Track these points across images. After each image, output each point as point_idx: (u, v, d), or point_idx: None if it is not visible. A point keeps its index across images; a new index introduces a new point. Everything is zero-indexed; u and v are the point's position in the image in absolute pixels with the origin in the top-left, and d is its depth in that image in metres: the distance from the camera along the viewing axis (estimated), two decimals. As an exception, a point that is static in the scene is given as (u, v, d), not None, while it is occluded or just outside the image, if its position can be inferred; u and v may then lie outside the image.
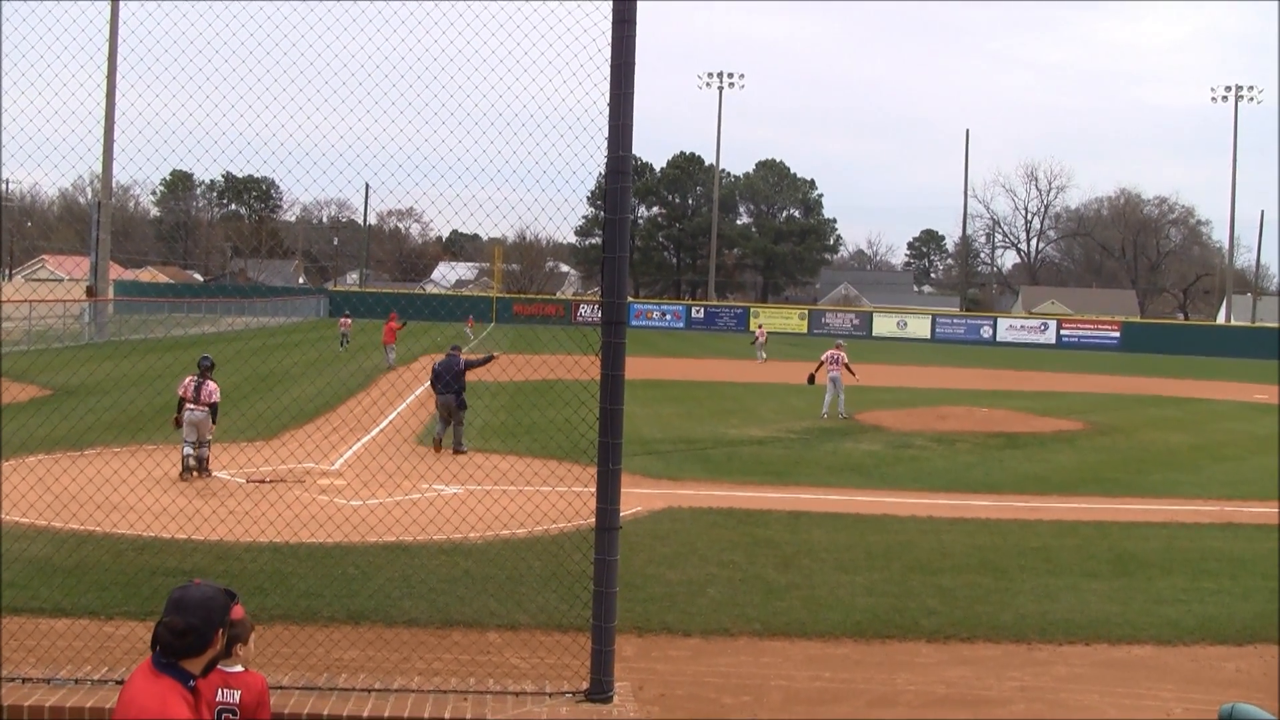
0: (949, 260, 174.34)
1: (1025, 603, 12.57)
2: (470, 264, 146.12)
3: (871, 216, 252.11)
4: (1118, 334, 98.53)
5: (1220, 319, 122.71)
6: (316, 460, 19.41)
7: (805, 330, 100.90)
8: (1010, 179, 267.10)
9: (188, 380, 18.92)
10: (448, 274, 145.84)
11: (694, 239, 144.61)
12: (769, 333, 69.07)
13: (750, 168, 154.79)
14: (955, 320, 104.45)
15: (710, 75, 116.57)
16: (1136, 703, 9.67)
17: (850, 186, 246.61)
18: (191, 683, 4.53)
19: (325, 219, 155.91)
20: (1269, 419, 36.35)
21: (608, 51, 8.14)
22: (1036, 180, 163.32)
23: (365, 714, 7.93)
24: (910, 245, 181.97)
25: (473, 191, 9.08)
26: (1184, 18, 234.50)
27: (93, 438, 19.62)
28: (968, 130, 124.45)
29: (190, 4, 8.77)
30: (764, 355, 59.67)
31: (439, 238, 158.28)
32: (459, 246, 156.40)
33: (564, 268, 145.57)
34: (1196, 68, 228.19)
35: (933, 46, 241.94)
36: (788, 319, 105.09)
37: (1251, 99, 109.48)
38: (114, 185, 68.68)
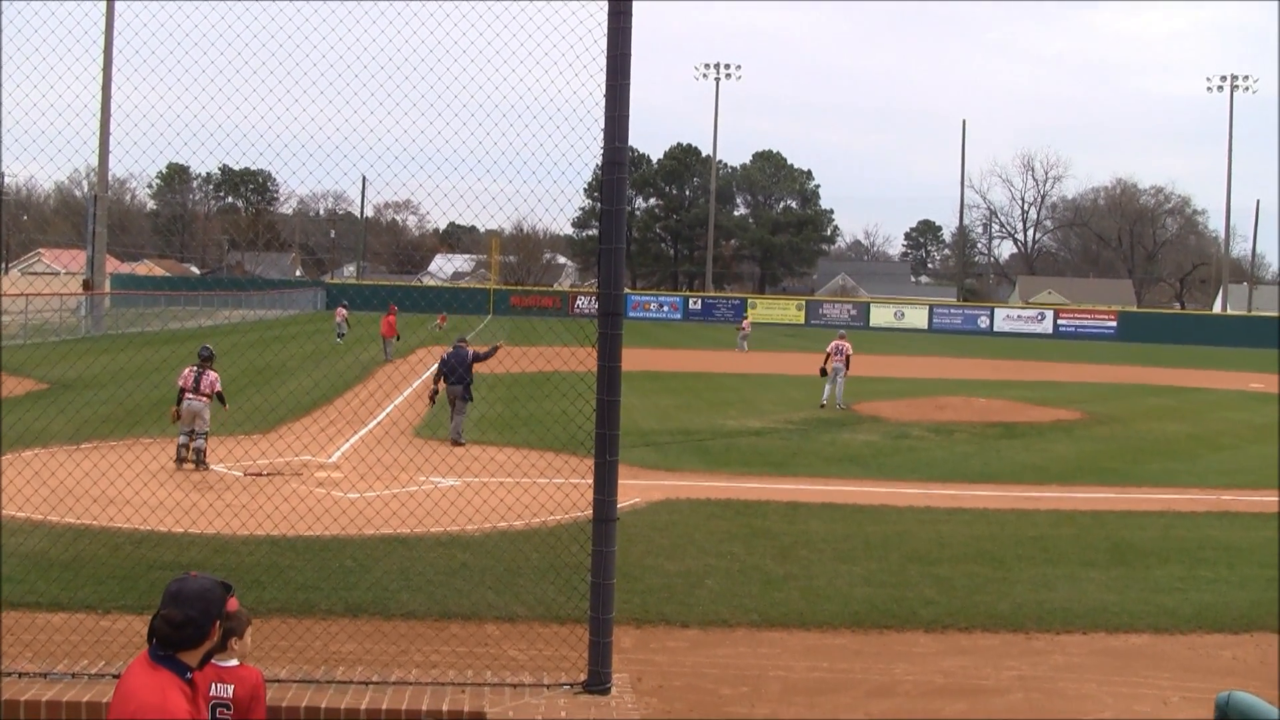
0: (946, 251, 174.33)
1: (1023, 592, 12.59)
2: (467, 256, 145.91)
3: (868, 207, 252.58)
4: (1114, 324, 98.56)
5: (1216, 308, 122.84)
6: (314, 453, 19.41)
7: (803, 321, 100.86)
8: (1007, 169, 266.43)
9: (187, 371, 18.99)
10: (445, 266, 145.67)
11: (691, 230, 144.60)
12: (752, 324, 70.38)
13: (747, 159, 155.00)
14: (952, 310, 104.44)
15: (707, 66, 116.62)
16: (1134, 691, 9.68)
17: (847, 177, 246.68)
18: (189, 675, 4.52)
19: (322, 211, 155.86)
20: (1266, 408, 36.39)
21: (604, 43, 8.12)
22: (1033, 170, 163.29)
23: (363, 707, 7.93)
24: (907, 236, 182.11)
25: (469, 184, 9.07)
26: (1182, 9, 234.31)
27: (89, 431, 19.60)
28: (964, 121, 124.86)
29: (185, -3, 8.75)
30: (745, 346, 60.63)
31: (436, 230, 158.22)
32: (456, 238, 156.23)
33: (561, 259, 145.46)
34: (1194, 58, 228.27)
35: (930, 37, 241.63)
36: (785, 310, 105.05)
37: (1247, 88, 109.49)
38: (110, 178, 68.52)
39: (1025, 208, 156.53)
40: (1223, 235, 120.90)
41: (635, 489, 17.34)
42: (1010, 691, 9.62)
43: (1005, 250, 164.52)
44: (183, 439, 18.64)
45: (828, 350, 32.16)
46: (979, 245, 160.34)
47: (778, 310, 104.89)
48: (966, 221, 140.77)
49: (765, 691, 9.41)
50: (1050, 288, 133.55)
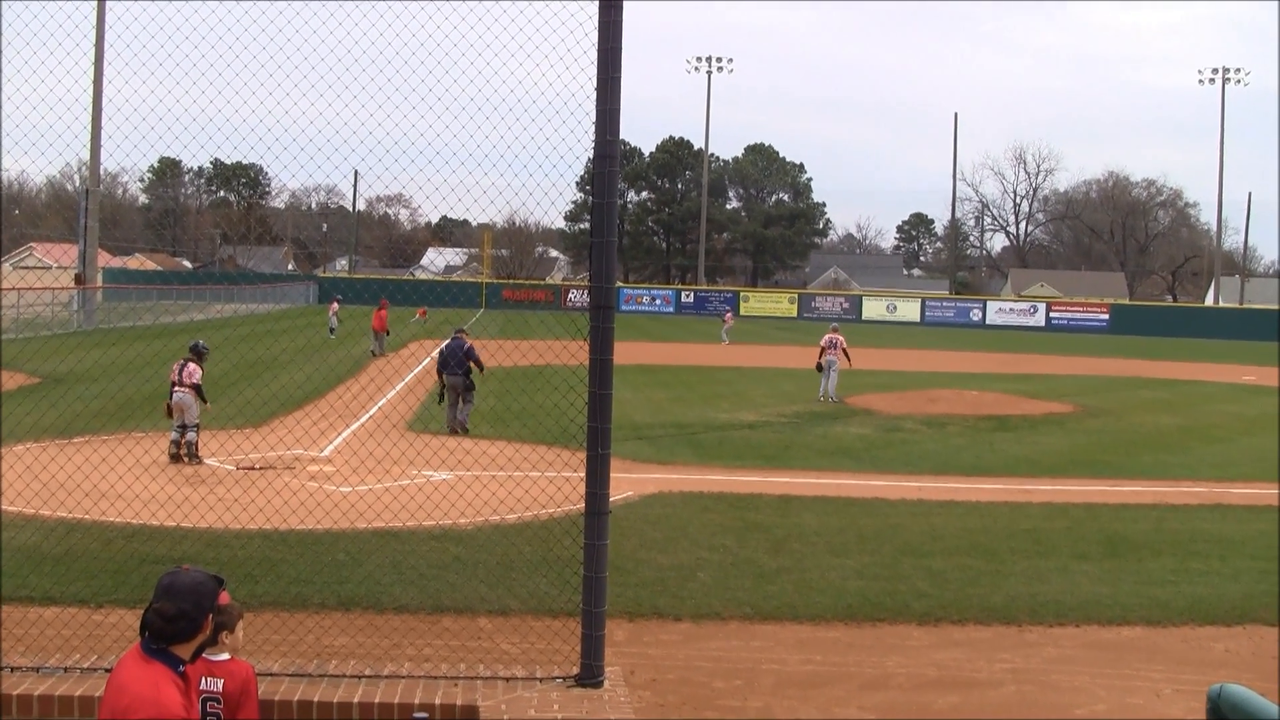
0: (938, 243, 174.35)
1: (1016, 585, 12.60)
2: (459, 249, 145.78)
3: (861, 200, 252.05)
4: (1107, 316, 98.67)
5: (1209, 301, 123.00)
6: (306, 446, 19.39)
7: (795, 314, 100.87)
8: (999, 162, 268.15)
9: (176, 364, 19.02)
10: (436, 260, 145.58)
11: (684, 223, 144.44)
12: (735, 316, 72.37)
13: (739, 152, 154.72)
14: (945, 303, 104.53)
15: (699, 59, 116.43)
16: (1126, 684, 9.70)
17: (840, 170, 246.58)
18: (181, 668, 4.52)
19: (314, 205, 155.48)
20: (1258, 400, 36.48)
21: (595, 36, 8.12)
22: (1025, 163, 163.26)
23: (356, 700, 7.93)
24: (899, 229, 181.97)
25: (460, 177, 9.06)
26: (1174, 2, 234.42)
27: (81, 425, 19.55)
28: (956, 114, 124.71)
29: (178, -10, 8.72)
30: (727, 339, 61.07)
31: (428, 223, 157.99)
32: (448, 232, 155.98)
33: (553, 253, 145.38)
34: (1186, 50, 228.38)
35: (923, 30, 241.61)
36: (777, 303, 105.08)
37: (1239, 81, 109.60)
38: (102, 172, 68.49)
39: (1017, 200, 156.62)
40: (1215, 228, 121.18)
41: (628, 482, 17.34)
42: (1003, 684, 9.63)
43: (997, 243, 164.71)
44: (174, 434, 18.63)
45: (821, 344, 32.14)
46: (971, 238, 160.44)
47: (770, 303, 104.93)
48: (959, 214, 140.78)
49: (758, 684, 9.42)
50: (1042, 281, 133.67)
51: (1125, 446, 24.30)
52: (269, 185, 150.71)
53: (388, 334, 43.04)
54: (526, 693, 8.20)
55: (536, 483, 15.97)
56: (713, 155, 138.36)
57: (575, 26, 8.13)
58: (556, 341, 9.55)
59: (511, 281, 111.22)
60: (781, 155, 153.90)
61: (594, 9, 8.08)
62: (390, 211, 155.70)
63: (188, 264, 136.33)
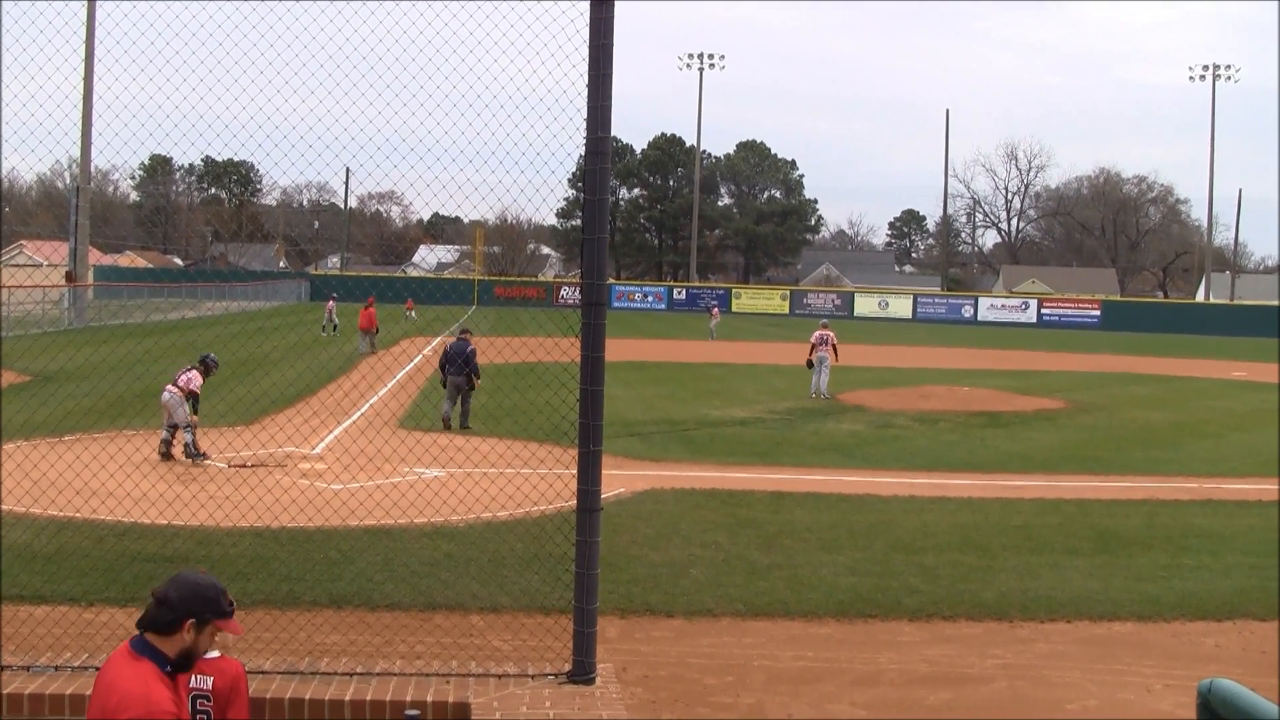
0: (930, 240, 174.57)
1: (1007, 581, 12.61)
2: (451, 246, 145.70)
3: (853, 197, 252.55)
4: (1098, 312, 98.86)
5: (1200, 297, 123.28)
6: (297, 444, 19.35)
7: (787, 311, 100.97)
8: (990, 159, 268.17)
9: (183, 368, 18.93)
10: (428, 257, 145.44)
11: (675, 220, 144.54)
12: (722, 311, 72.57)
13: (731, 149, 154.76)
14: (937, 300, 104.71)
15: (691, 56, 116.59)
16: (1118, 679, 9.72)
17: (831, 167, 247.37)
18: (168, 667, 4.50)
19: (306, 203, 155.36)
20: (1249, 396, 36.57)
21: (586, 33, 8.11)
22: (1017, 160, 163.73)
23: (348, 698, 7.92)
24: (891, 225, 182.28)
25: (452, 174, 9.06)
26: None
27: (72, 423, 19.52)
28: (948, 110, 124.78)
29: (168, -14, 8.70)
30: (715, 335, 61.38)
31: (420, 220, 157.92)
32: (440, 229, 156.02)
33: (545, 250, 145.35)
34: (1176, 47, 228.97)
35: (914, 27, 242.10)
36: (770, 300, 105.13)
37: (1229, 78, 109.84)
38: (92, 170, 68.18)
39: (1009, 197, 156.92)
40: (1205, 224, 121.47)
41: (620, 479, 17.34)
42: (994, 680, 9.64)
43: (989, 240, 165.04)
44: (165, 434, 18.62)
45: (811, 341, 32.14)
46: (963, 235, 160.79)
47: (762, 300, 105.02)
48: (950, 211, 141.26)
49: (750, 681, 9.42)
50: (1034, 277, 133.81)
51: (1116, 442, 24.34)
52: (260, 182, 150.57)
53: (377, 331, 43.01)
54: (518, 690, 8.19)
55: (528, 480, 15.95)
56: (704, 152, 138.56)
57: (566, 23, 8.13)
58: (548, 338, 9.55)
59: (503, 278, 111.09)
60: (773, 152, 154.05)
61: (585, 6, 8.08)
62: (382, 209, 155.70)
63: (179, 261, 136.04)
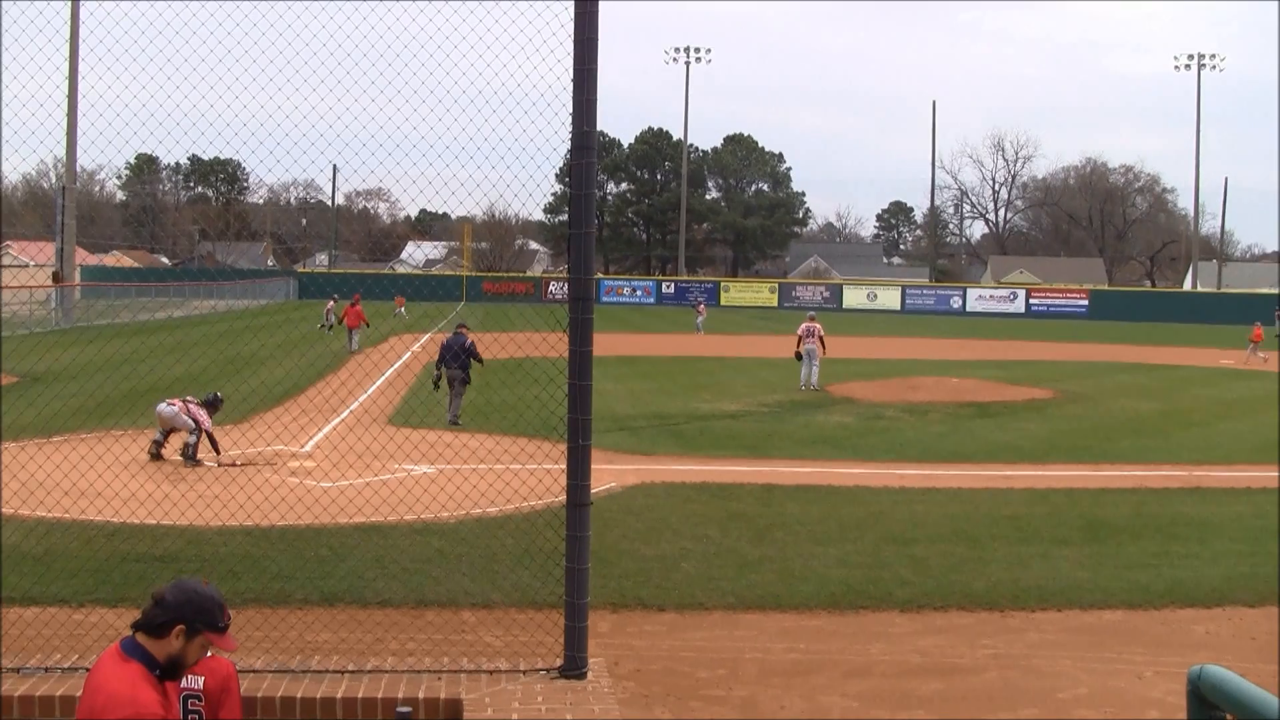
0: (918, 232, 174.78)
1: (997, 571, 12.64)
2: (439, 243, 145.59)
3: (840, 189, 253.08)
4: (1086, 302, 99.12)
5: (1187, 285, 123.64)
6: (287, 442, 19.33)
7: (776, 304, 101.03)
8: (977, 150, 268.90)
9: (189, 403, 18.62)
10: (416, 253, 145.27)
11: (663, 214, 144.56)
12: (707, 305, 73.24)
13: (718, 142, 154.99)
14: (925, 291, 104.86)
15: (677, 50, 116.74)
16: (1108, 667, 9.74)
17: (819, 159, 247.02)
18: (157, 670, 4.50)
19: (293, 200, 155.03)
20: (1236, 384, 36.70)
21: (571, 27, 8.10)
22: (1003, 150, 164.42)
23: (339, 695, 7.91)
24: (879, 217, 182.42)
25: (439, 170, 9.04)
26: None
27: (60, 424, 19.46)
28: (934, 102, 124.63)
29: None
30: (702, 330, 61.81)
31: (407, 217, 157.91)
32: (427, 225, 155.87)
33: (533, 245, 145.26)
34: (1161, 37, 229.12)
35: (900, 19, 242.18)
36: (758, 293, 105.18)
37: (1214, 67, 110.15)
38: (78, 169, 68.05)
39: (996, 188, 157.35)
40: (1192, 213, 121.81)
41: (610, 473, 17.34)
42: (986, 669, 9.66)
43: (977, 230, 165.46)
44: (158, 435, 18.56)
45: (798, 333, 32.15)
46: (950, 226, 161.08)
47: (751, 293, 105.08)
48: (938, 202, 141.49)
49: (742, 673, 9.43)
50: (1022, 267, 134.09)
51: (1105, 431, 24.39)
52: (247, 181, 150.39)
53: (367, 325, 42.97)
54: (510, 685, 8.19)
55: (518, 475, 15.95)
56: (692, 146, 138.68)
57: (551, 18, 8.12)
58: (536, 334, 9.54)
59: (491, 274, 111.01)
60: (760, 145, 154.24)
61: (569, 1, 8.07)
62: (369, 206, 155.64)
63: (166, 261, 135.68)
